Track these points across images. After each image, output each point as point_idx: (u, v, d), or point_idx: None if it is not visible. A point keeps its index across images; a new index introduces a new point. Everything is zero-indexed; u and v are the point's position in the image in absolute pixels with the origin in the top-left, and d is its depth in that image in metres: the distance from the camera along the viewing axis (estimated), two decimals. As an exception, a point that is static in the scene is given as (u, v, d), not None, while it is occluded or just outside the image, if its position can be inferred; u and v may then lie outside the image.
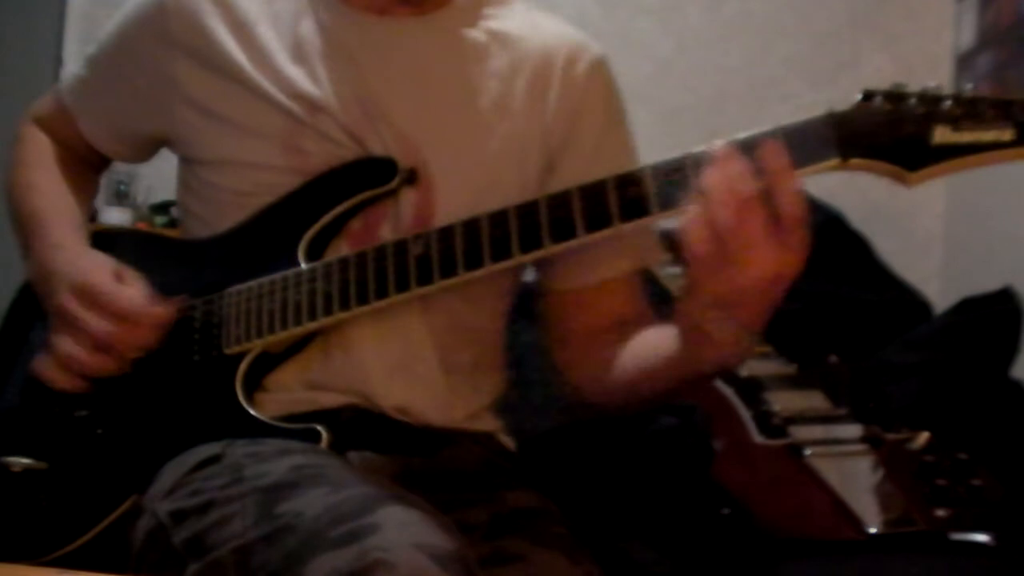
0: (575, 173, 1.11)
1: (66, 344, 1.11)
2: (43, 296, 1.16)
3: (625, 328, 1.15)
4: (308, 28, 1.16)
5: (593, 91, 1.20)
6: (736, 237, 0.90)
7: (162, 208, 2.92)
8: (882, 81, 0.98)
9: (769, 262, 0.90)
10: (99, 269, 1.12)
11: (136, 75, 1.20)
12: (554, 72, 1.19)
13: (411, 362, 1.13)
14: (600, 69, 1.22)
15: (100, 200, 2.81)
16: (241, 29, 1.15)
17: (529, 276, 1.24)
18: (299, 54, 1.15)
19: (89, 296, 1.10)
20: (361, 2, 1.17)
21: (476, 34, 1.19)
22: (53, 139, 1.29)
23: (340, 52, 1.15)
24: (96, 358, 1.10)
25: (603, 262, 1.16)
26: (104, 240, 1.21)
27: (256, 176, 1.14)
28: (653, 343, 1.10)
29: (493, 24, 1.21)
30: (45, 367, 1.12)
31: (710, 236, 0.91)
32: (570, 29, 1.24)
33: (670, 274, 1.77)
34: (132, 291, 1.11)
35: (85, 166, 1.31)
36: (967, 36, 2.76)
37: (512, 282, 1.22)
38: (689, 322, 0.98)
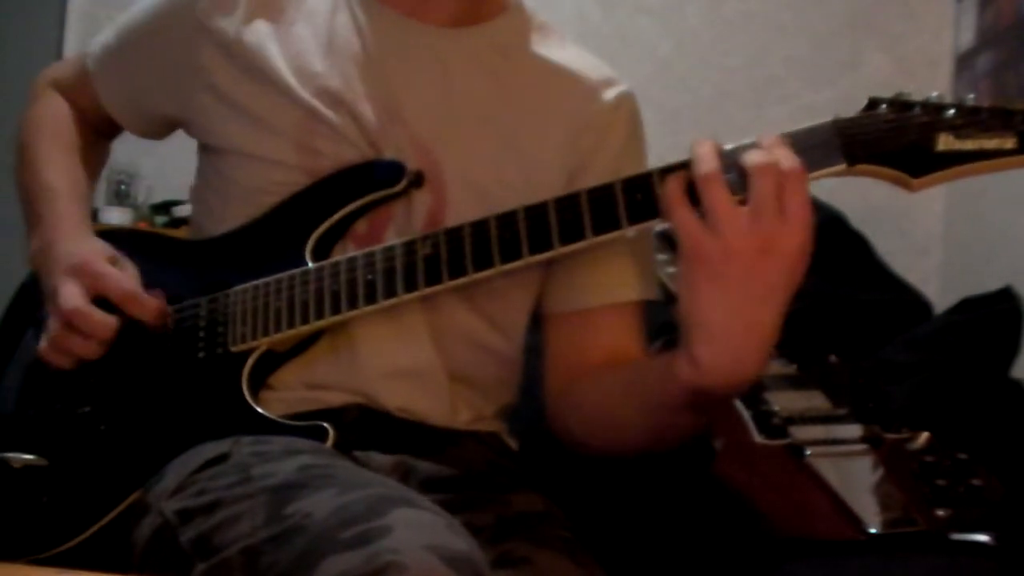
0: None
1: (54, 320, 1.11)
2: (42, 274, 1.16)
3: (618, 366, 1.15)
4: (342, 23, 1.17)
5: (617, 121, 1.21)
6: (713, 207, 0.92)
7: (163, 208, 2.92)
8: (882, 81, 1.00)
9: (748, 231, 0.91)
10: (95, 252, 1.13)
11: (163, 54, 1.20)
12: (579, 101, 1.20)
13: (415, 365, 1.13)
14: (626, 102, 1.23)
15: (100, 200, 2.82)
16: (276, 21, 1.16)
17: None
18: (331, 49, 1.15)
19: (81, 275, 1.10)
20: (399, 3, 1.17)
21: (509, 55, 1.20)
22: (69, 103, 1.29)
23: (371, 50, 1.16)
24: (80, 341, 1.11)
25: (601, 288, 1.17)
26: (108, 241, 1.22)
27: (268, 173, 1.14)
28: (646, 364, 1.09)
29: (528, 50, 1.22)
30: (42, 346, 1.13)
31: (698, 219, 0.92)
32: (603, 64, 1.26)
33: (670, 274, 1.77)
34: (123, 275, 1.12)
35: (98, 133, 1.31)
36: (967, 36, 2.77)
37: (528, 298, 1.22)
38: (680, 313, 0.96)
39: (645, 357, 1.16)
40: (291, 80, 1.13)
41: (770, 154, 0.92)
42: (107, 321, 1.10)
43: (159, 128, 1.28)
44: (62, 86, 1.31)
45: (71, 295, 1.09)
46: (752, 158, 0.92)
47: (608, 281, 1.16)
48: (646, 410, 1.07)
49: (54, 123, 1.28)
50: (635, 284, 1.18)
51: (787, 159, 0.92)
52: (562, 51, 1.24)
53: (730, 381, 0.95)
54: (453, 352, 1.15)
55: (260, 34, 1.15)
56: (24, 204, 1.23)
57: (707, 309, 0.93)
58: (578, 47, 1.27)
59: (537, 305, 1.22)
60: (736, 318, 0.92)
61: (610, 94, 1.22)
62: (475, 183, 1.15)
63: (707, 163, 0.93)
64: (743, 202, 0.92)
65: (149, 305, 1.11)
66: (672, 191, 0.95)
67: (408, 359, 1.13)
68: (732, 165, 0.94)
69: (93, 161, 1.29)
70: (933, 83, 2.81)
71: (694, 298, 0.94)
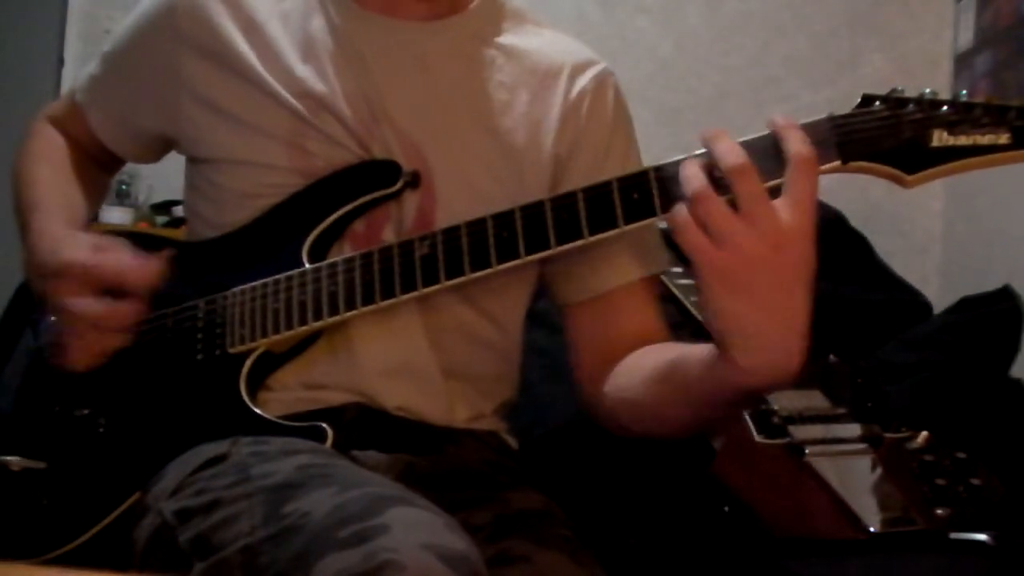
0: (583, 179, 1.12)
1: (69, 332, 1.10)
2: (32, 283, 1.15)
3: (644, 346, 1.14)
4: (318, 26, 1.17)
5: (600, 101, 1.21)
6: (712, 221, 0.90)
7: (163, 207, 2.92)
8: (881, 81, 1.00)
9: (747, 236, 0.89)
10: (76, 248, 1.11)
11: (146, 71, 1.21)
12: (559, 84, 1.20)
13: (411, 364, 1.13)
14: (606, 83, 1.23)
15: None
16: (251, 28, 1.16)
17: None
18: (308, 52, 1.16)
19: (72, 276, 1.09)
20: (373, 2, 1.18)
21: (486, 44, 1.20)
22: (65, 137, 1.29)
23: (349, 51, 1.16)
24: (98, 337, 1.10)
25: (610, 270, 1.16)
26: None
27: (260, 176, 1.14)
28: (685, 364, 1.06)
29: (504, 37, 1.22)
30: (62, 356, 1.11)
31: (698, 230, 0.90)
32: (580, 45, 1.26)
33: (673, 273, 1.77)
34: (113, 256, 1.09)
35: (95, 165, 1.31)
36: (966, 36, 2.77)
37: (525, 292, 1.22)
38: (712, 328, 0.94)
39: (678, 351, 1.13)
40: (275, 83, 1.14)
41: (740, 154, 0.90)
42: (130, 309, 1.09)
43: (152, 150, 1.28)
44: (57, 121, 1.31)
45: (84, 304, 1.08)
46: (726, 161, 0.90)
47: (619, 261, 1.16)
48: (694, 406, 1.05)
49: (44, 150, 1.28)
50: (645, 260, 1.18)
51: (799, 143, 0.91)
52: (539, 36, 1.24)
53: (778, 377, 0.94)
54: (447, 347, 1.15)
55: (239, 40, 1.16)
56: (18, 228, 1.23)
57: (739, 321, 0.91)
58: (553, 29, 1.27)
59: (554, 299, 1.22)
60: (769, 321, 0.91)
61: (590, 77, 1.22)
62: (464, 177, 1.15)
63: (695, 182, 0.91)
64: (733, 202, 0.90)
65: (146, 270, 1.09)
66: (675, 215, 0.92)
67: (403, 357, 1.13)
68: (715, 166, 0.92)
69: (89, 188, 1.28)
70: (933, 83, 2.80)
71: (723, 313, 0.92)
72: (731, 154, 0.91)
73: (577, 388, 1.21)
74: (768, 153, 0.93)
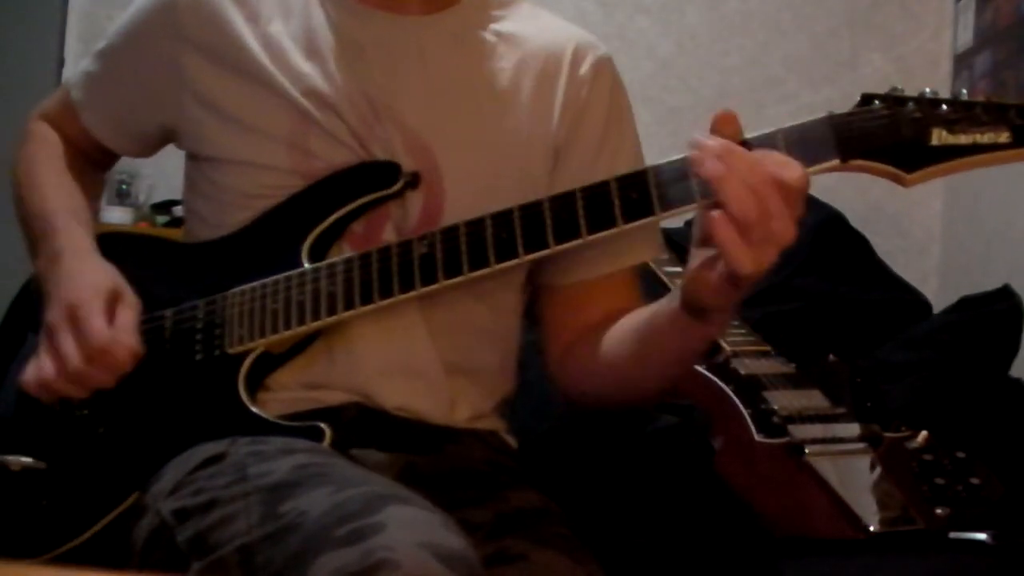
0: (578, 170, 1.12)
1: (44, 361, 1.09)
2: (42, 300, 1.15)
3: (618, 319, 1.16)
4: (319, 23, 1.17)
5: (597, 90, 1.21)
6: (762, 213, 0.90)
7: (163, 207, 2.92)
8: (881, 81, 1.00)
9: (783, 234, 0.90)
10: (93, 289, 1.09)
11: (144, 68, 1.20)
12: (560, 71, 1.20)
13: (412, 362, 1.13)
14: (605, 68, 1.23)
15: (102, 199, 2.81)
16: (256, 23, 1.16)
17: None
18: (311, 49, 1.15)
19: (73, 319, 1.08)
20: None
21: (484, 34, 1.20)
22: (59, 135, 1.29)
23: (350, 48, 1.16)
24: (63, 384, 1.08)
25: (604, 258, 1.16)
26: (106, 244, 1.21)
27: (261, 177, 1.14)
28: (644, 319, 1.10)
29: (500, 24, 1.22)
30: (27, 374, 1.10)
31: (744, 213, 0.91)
32: (576, 29, 1.26)
33: (670, 273, 1.77)
34: (105, 327, 1.07)
35: (90, 164, 1.31)
36: (965, 36, 2.77)
37: (519, 272, 1.21)
38: (694, 297, 0.99)
39: (647, 314, 1.13)
40: (282, 80, 1.13)
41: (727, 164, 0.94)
42: (96, 378, 1.08)
43: (149, 145, 1.28)
44: (51, 119, 1.30)
45: (66, 349, 1.06)
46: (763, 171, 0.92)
47: (614, 249, 1.14)
48: (665, 363, 1.11)
49: (43, 152, 1.27)
50: (637, 249, 1.19)
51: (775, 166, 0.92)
52: (535, 21, 1.24)
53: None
54: (449, 341, 1.15)
55: (246, 35, 1.15)
56: (27, 232, 1.22)
57: (730, 307, 0.99)
58: (548, 13, 1.27)
59: (532, 276, 1.22)
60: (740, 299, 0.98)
61: (589, 64, 1.22)
62: (471, 172, 1.15)
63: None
64: (716, 205, 0.91)
65: (123, 357, 1.07)
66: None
67: (403, 355, 1.13)
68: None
69: (88, 189, 1.27)
70: (932, 83, 2.79)
71: (722, 301, 0.97)
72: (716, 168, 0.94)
73: (544, 359, 1.23)
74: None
